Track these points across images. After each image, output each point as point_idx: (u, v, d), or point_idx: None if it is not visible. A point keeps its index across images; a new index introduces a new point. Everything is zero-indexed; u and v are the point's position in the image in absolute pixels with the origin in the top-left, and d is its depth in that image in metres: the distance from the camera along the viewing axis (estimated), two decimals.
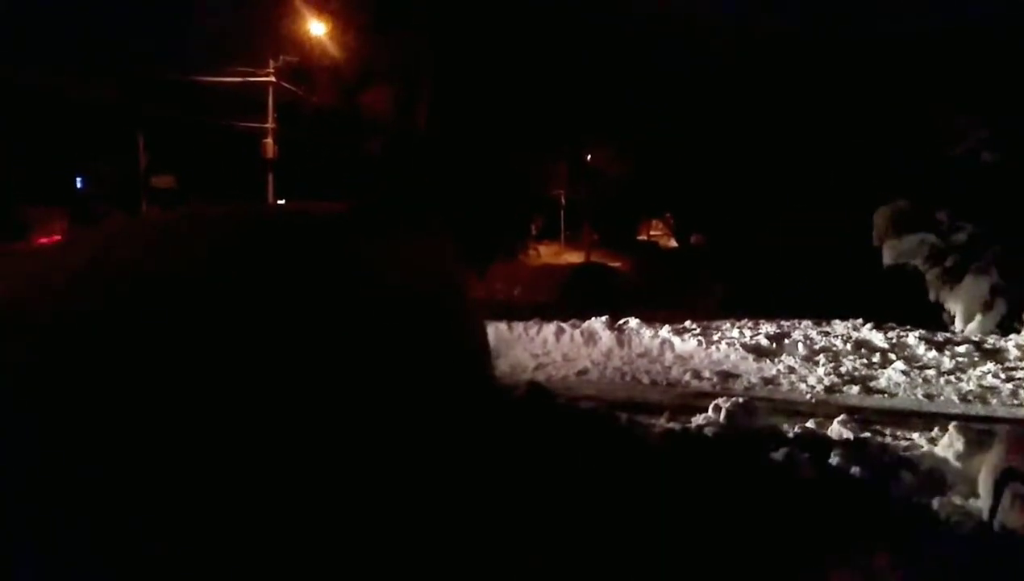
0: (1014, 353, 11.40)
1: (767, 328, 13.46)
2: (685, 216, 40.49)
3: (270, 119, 22.69)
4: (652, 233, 53.26)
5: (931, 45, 24.74)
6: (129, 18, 33.30)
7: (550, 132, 29.65)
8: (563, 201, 43.59)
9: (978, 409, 8.37)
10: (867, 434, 6.83)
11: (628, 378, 10.02)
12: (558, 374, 10.18)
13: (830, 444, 6.40)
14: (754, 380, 9.83)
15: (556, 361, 11.02)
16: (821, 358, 10.79)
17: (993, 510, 4.68)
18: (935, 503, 5.08)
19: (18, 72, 27.40)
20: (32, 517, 2.33)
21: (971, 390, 9.15)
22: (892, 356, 11.02)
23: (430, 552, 3.14)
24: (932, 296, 17.53)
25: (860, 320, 14.26)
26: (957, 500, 5.15)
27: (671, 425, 7.03)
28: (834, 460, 5.88)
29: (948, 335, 13.88)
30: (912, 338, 12.26)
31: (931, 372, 10.02)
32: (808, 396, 8.94)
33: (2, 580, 2.26)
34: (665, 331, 12.33)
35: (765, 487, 5.14)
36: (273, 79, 22.41)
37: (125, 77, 28.34)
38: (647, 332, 12.33)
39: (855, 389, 9.20)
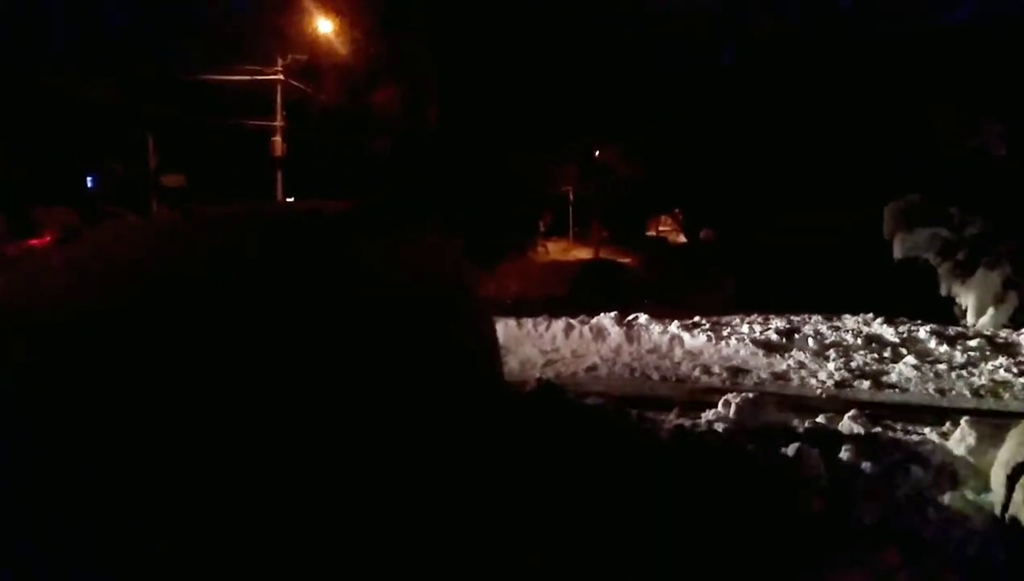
0: None
1: (777, 323, 13.36)
2: (694, 212, 40.37)
3: (279, 117, 22.76)
4: (661, 229, 53.02)
5: (931, 45, 24.63)
6: (137, 17, 33.39)
7: (558, 131, 29.68)
8: (572, 198, 43.57)
9: (990, 404, 8.29)
10: (878, 429, 6.75)
11: (637, 374, 9.96)
12: (567, 370, 10.14)
13: (841, 439, 6.33)
14: (764, 375, 9.74)
15: (565, 357, 10.98)
16: (831, 353, 10.70)
17: (1005, 505, 4.63)
18: (946, 498, 5.03)
19: (39, 74, 27.63)
20: (32, 517, 2.32)
21: (983, 384, 9.05)
22: (903, 350, 10.89)
23: (430, 550, 3.12)
24: (944, 290, 17.39)
25: (871, 315, 14.11)
26: (969, 495, 5.09)
27: (681, 421, 6.98)
28: (845, 455, 5.83)
29: (960, 329, 13.72)
30: (923, 332, 12.13)
31: (943, 366, 9.91)
32: (818, 391, 8.87)
33: (2, 580, 2.25)
34: (674, 327, 12.26)
35: (774, 483, 5.11)
36: (282, 77, 22.46)
37: (133, 77, 28.50)
38: (656, 328, 12.27)
39: (866, 384, 9.12)
